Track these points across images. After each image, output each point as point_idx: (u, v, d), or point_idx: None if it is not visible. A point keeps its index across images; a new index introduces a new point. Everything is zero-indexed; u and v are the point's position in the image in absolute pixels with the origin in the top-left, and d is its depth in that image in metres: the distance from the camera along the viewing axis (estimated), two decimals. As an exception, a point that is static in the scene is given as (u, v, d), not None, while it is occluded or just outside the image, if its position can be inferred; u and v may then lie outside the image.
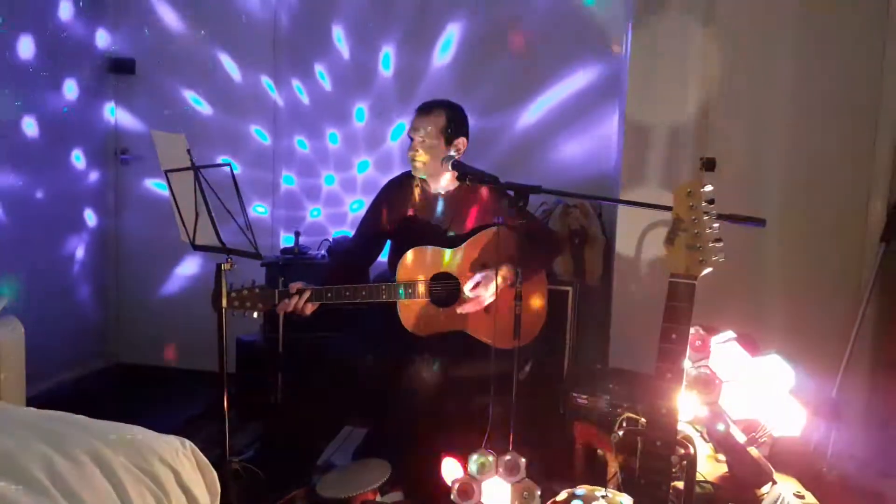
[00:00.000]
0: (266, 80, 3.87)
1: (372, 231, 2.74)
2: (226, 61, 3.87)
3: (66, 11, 3.65)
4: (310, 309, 2.40)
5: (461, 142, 2.62)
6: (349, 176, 3.93)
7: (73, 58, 3.73)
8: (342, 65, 3.77)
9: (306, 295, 2.37)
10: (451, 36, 3.66)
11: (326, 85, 3.81)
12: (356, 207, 3.89)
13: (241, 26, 3.74)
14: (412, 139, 2.60)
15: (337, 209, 3.99)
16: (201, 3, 3.85)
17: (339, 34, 3.68)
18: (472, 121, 2.72)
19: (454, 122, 2.60)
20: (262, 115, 3.90)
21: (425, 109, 2.61)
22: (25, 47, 3.40)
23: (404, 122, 3.61)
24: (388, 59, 3.69)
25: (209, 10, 3.85)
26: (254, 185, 3.94)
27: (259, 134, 3.94)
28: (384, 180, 2.85)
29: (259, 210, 3.99)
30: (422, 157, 2.57)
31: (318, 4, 3.75)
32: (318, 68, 3.80)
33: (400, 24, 3.63)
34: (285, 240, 3.92)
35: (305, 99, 3.88)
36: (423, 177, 2.64)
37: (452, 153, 2.58)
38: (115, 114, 4.05)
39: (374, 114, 3.74)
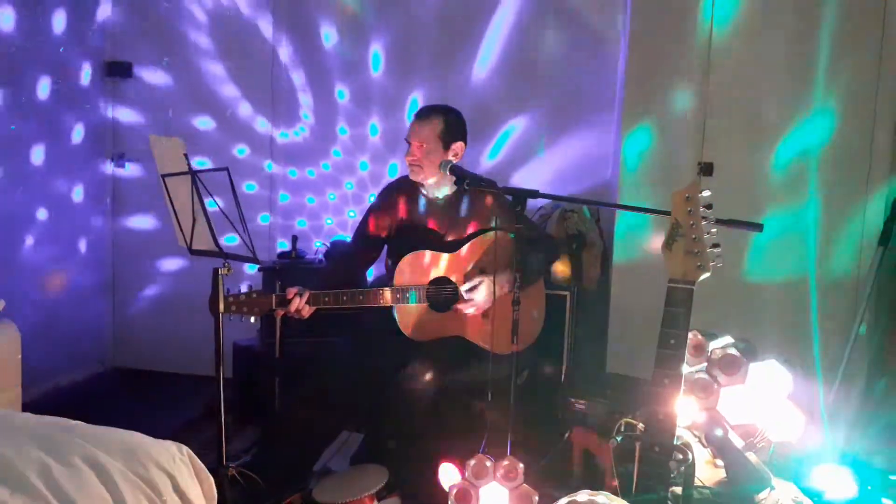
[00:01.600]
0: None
1: (369, 235, 2.74)
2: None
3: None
4: (307, 311, 2.40)
5: (459, 146, 2.62)
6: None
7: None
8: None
9: (306, 296, 2.37)
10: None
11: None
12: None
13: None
14: (410, 144, 2.60)
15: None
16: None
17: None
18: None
19: (451, 127, 2.60)
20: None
21: (423, 115, 2.61)
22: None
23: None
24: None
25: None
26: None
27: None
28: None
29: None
30: (420, 161, 2.57)
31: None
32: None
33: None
34: (281, 244, 3.95)
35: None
36: (421, 181, 2.64)
37: (450, 158, 2.58)
38: (112, 112, 4.07)
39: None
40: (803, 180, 2.99)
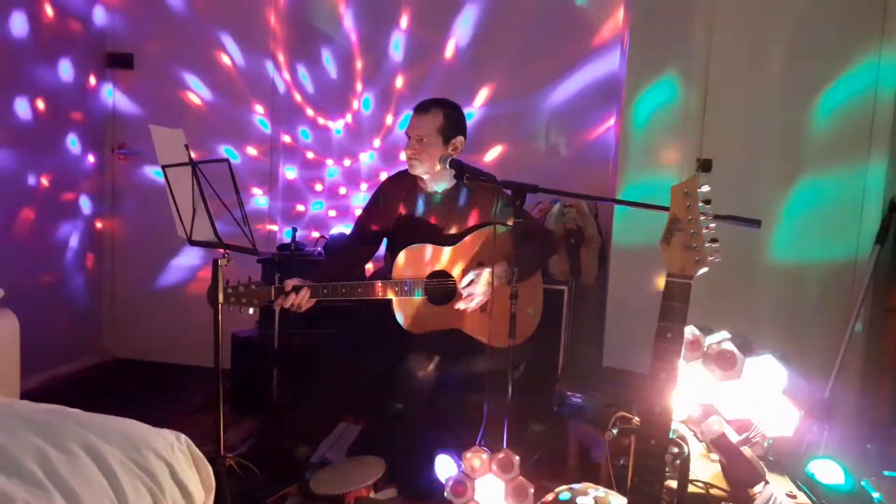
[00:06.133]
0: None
1: (369, 228, 2.75)
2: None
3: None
4: (307, 305, 2.41)
5: (459, 140, 2.63)
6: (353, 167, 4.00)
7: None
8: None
9: (304, 293, 2.37)
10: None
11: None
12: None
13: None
14: (410, 137, 2.61)
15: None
16: None
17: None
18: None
19: (451, 121, 2.61)
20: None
21: (423, 108, 2.61)
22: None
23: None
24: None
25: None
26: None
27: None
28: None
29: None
30: (420, 155, 2.58)
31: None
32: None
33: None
34: (287, 234, 3.96)
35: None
36: (421, 175, 2.64)
37: (450, 152, 2.59)
38: (112, 103, 4.07)
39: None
40: (801, 177, 3.00)
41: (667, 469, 1.55)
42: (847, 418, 2.88)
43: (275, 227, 4.06)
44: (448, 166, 2.47)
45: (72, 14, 3.73)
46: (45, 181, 3.64)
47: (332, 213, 4.04)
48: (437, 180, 2.66)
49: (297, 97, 4.00)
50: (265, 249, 3.81)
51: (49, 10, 3.57)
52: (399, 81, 3.86)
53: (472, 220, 2.64)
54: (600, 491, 1.75)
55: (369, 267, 3.20)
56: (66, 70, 3.74)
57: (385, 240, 2.80)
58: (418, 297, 2.51)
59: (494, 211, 2.57)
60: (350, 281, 2.45)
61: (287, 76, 3.99)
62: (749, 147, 3.04)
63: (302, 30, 3.94)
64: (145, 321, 4.14)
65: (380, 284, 2.47)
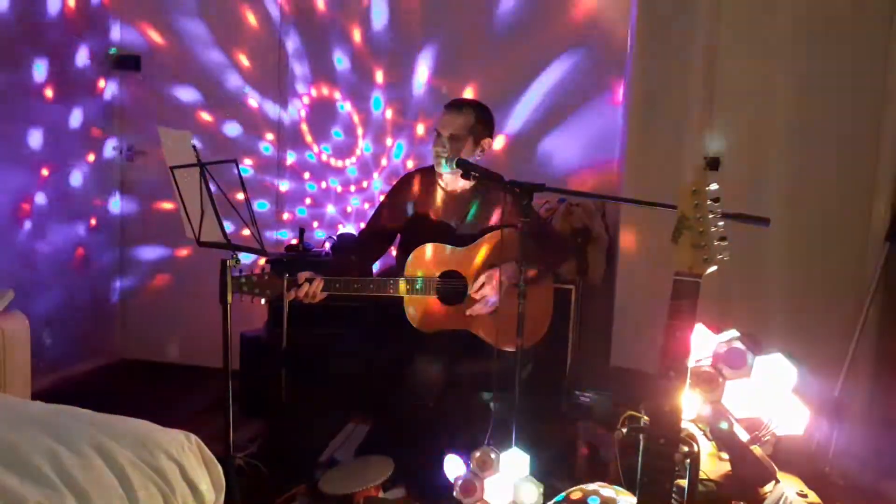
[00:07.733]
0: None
1: (383, 224, 2.74)
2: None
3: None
4: (320, 297, 2.41)
5: (487, 142, 2.62)
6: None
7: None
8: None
9: (317, 283, 2.37)
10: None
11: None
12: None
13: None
14: (440, 135, 2.59)
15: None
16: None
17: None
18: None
19: (482, 122, 2.60)
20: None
21: (455, 107, 2.60)
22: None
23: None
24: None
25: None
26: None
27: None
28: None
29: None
30: (448, 153, 2.56)
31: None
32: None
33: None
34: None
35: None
36: (446, 173, 2.63)
37: (478, 152, 2.59)
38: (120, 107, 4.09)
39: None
40: (809, 175, 2.98)
41: (676, 468, 1.54)
42: (857, 417, 2.86)
43: (282, 235, 4.07)
44: (455, 166, 2.46)
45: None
46: (53, 183, 3.66)
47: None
48: (455, 179, 2.64)
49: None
50: (273, 251, 3.82)
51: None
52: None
53: (486, 221, 2.63)
54: (609, 490, 1.75)
55: (376, 268, 3.20)
56: (73, 71, 3.77)
57: (398, 237, 2.79)
58: (429, 297, 2.51)
59: (504, 212, 2.57)
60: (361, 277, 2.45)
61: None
62: (757, 144, 3.02)
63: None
64: (155, 322, 4.15)
65: (392, 281, 2.47)
